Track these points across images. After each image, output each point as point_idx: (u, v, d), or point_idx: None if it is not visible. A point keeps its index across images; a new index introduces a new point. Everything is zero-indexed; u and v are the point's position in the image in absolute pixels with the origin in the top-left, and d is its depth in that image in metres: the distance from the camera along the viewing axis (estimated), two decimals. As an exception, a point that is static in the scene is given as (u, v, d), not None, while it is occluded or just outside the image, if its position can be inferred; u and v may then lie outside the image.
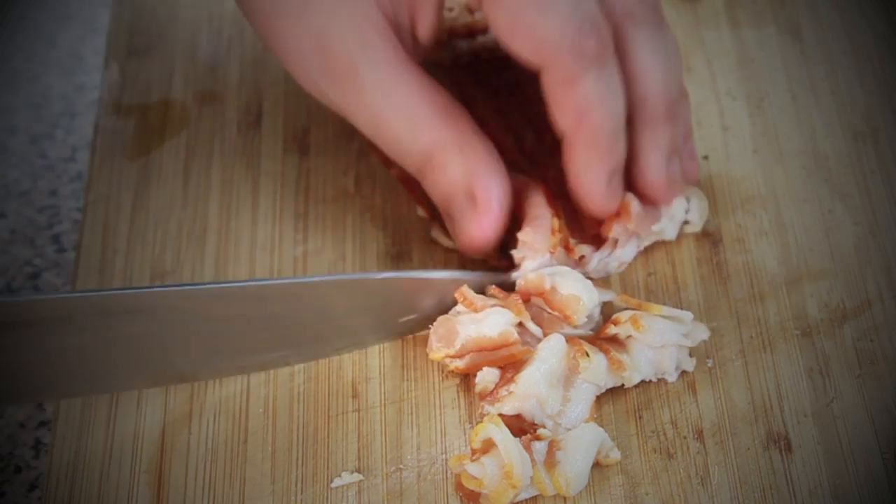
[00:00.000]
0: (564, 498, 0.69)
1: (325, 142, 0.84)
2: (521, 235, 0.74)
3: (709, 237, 0.78)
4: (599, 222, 0.76)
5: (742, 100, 0.84)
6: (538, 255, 0.74)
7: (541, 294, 0.73)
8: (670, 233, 0.78)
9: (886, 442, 0.70)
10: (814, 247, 0.78)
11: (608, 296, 0.75)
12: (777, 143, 0.82)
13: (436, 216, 0.77)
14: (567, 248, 0.75)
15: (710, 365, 0.73)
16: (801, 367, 0.73)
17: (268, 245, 0.79)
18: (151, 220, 0.80)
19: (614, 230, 0.75)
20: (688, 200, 0.77)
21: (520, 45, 0.69)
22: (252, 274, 0.78)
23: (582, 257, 0.75)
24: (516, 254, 0.74)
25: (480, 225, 0.73)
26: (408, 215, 0.80)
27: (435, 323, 0.73)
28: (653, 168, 0.74)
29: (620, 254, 0.76)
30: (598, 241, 0.76)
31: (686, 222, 0.78)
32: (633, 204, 0.75)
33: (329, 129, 0.84)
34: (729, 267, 0.77)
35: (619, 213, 0.75)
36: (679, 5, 0.88)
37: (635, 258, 0.77)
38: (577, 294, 0.72)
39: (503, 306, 0.73)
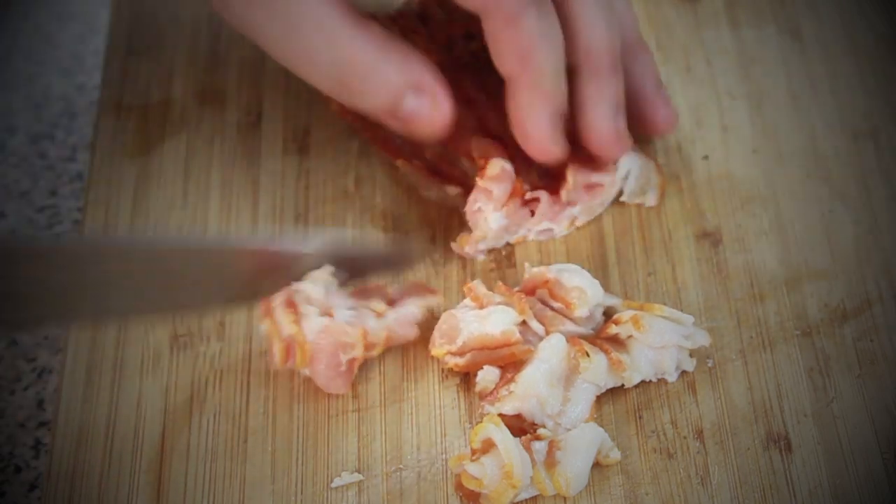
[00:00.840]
0: (564, 498, 0.69)
1: (325, 142, 0.84)
2: (481, 182, 0.75)
3: (709, 237, 0.78)
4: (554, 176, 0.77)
5: (742, 100, 0.84)
6: (497, 204, 0.75)
7: (545, 284, 0.73)
8: (609, 196, 0.79)
9: (886, 442, 0.70)
10: (814, 247, 0.78)
11: (613, 300, 0.75)
12: (777, 143, 0.82)
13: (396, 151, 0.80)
14: (521, 196, 0.76)
15: (710, 365, 0.74)
16: (801, 367, 0.73)
17: (268, 245, 0.79)
18: (151, 220, 0.80)
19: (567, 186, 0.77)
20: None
21: None
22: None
23: (535, 200, 0.77)
24: (473, 204, 0.75)
25: (440, 104, 0.73)
26: (408, 215, 0.80)
27: (440, 319, 0.73)
28: (599, 121, 0.75)
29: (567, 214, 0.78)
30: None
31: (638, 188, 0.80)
32: (571, 174, 0.76)
33: (329, 129, 0.84)
34: (729, 267, 0.77)
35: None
36: (679, 5, 0.88)
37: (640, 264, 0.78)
38: (582, 286, 0.72)
39: (508, 304, 0.73)
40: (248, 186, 0.82)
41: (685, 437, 0.71)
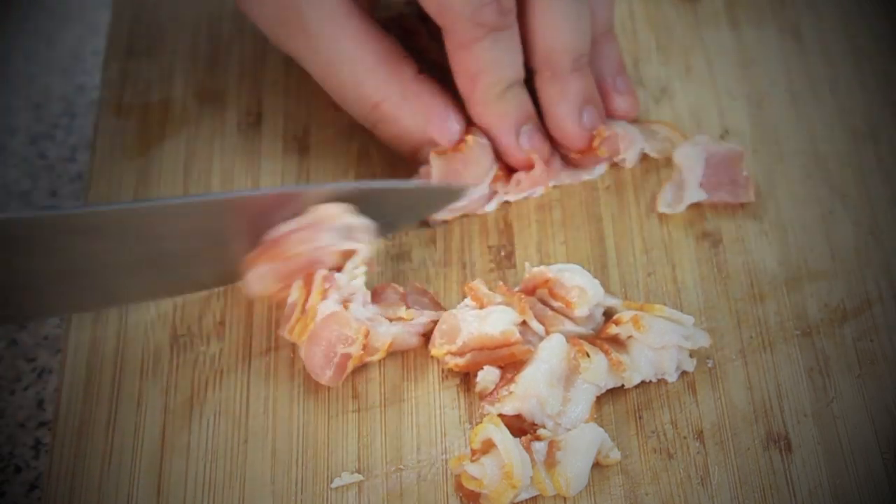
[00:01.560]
0: (564, 498, 0.69)
1: (325, 142, 0.84)
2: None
3: (709, 237, 0.78)
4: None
5: (742, 100, 0.84)
6: (483, 177, 0.79)
7: (545, 284, 0.73)
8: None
9: (886, 442, 0.70)
10: (814, 247, 0.78)
11: (613, 300, 0.75)
12: (777, 143, 0.82)
13: None
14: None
15: (710, 365, 0.73)
16: (801, 367, 0.73)
17: (267, 245, 0.79)
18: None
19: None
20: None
21: (426, 3, 0.74)
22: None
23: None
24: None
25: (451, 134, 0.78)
26: (408, 215, 0.80)
27: (440, 319, 0.73)
28: (563, 119, 0.78)
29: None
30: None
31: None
32: (538, 161, 0.79)
33: (329, 129, 0.84)
34: (729, 267, 0.77)
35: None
36: (679, 5, 0.88)
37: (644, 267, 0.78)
38: (583, 286, 0.72)
39: (508, 304, 0.73)
40: (248, 186, 0.82)
41: (685, 438, 0.71)
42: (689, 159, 0.79)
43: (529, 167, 0.79)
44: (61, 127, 0.94)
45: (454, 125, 0.77)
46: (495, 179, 0.79)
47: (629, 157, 0.81)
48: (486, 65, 0.75)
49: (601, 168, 0.81)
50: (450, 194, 0.78)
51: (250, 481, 0.71)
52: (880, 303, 0.75)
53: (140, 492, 0.71)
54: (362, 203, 0.74)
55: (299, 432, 0.72)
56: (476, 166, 0.78)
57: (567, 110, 0.78)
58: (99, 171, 0.83)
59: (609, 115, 0.80)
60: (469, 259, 0.78)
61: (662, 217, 0.79)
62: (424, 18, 0.80)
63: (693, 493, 0.69)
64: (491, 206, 0.80)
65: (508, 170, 0.80)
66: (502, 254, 0.78)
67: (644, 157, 0.81)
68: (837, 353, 0.74)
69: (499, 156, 0.79)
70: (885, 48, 0.86)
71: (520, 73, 0.76)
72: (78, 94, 0.96)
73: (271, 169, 0.82)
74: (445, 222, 0.80)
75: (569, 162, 0.81)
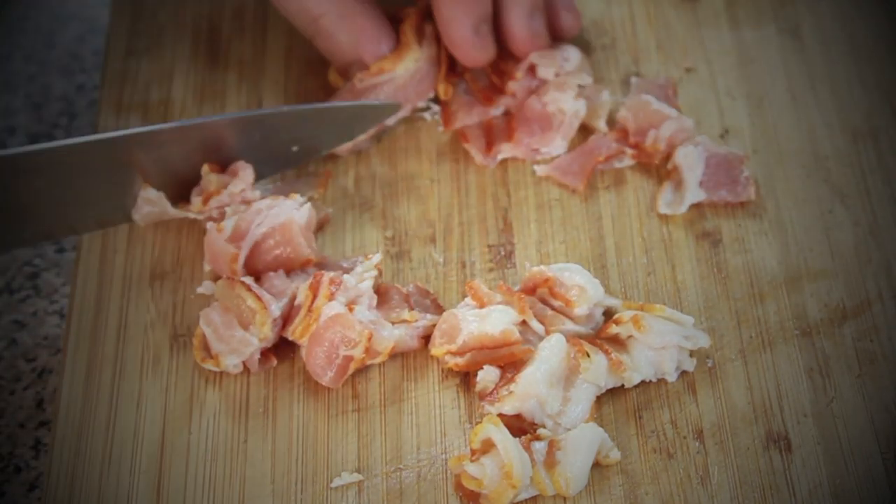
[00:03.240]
0: (564, 498, 0.69)
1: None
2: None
3: (708, 237, 0.78)
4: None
5: (742, 99, 0.84)
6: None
7: (545, 283, 0.73)
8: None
9: (886, 442, 0.70)
10: (814, 247, 0.78)
11: (613, 300, 0.75)
12: (777, 143, 0.82)
13: None
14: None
15: (710, 365, 0.73)
16: (801, 367, 0.73)
17: (267, 245, 0.79)
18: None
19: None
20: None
21: None
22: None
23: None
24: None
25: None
26: (407, 216, 0.80)
27: (440, 319, 0.73)
28: (514, 22, 0.81)
29: None
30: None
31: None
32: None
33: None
34: (729, 267, 0.77)
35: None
36: (679, 5, 0.88)
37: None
38: (582, 284, 0.73)
39: (507, 303, 0.73)
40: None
41: (685, 438, 0.71)
42: (689, 159, 0.79)
43: (473, 65, 0.82)
44: (61, 127, 0.94)
45: (383, 48, 0.80)
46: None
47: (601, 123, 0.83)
48: None
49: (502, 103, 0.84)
50: (378, 112, 0.81)
51: (250, 481, 0.71)
52: (880, 302, 0.75)
53: (140, 492, 0.71)
54: (292, 125, 0.78)
55: (299, 432, 0.72)
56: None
57: (517, 14, 0.81)
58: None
59: (555, 32, 0.83)
60: (469, 259, 0.78)
61: (662, 217, 0.79)
62: None
63: (693, 493, 0.69)
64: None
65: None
66: (502, 253, 0.78)
67: (643, 159, 0.81)
68: (837, 352, 0.74)
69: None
70: (885, 48, 0.86)
71: None
72: (78, 94, 0.96)
73: (271, 169, 0.82)
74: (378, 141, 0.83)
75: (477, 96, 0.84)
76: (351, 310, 0.72)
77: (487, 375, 0.72)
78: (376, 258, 0.75)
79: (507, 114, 0.83)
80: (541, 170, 0.81)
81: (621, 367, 0.71)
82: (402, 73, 0.81)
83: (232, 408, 0.73)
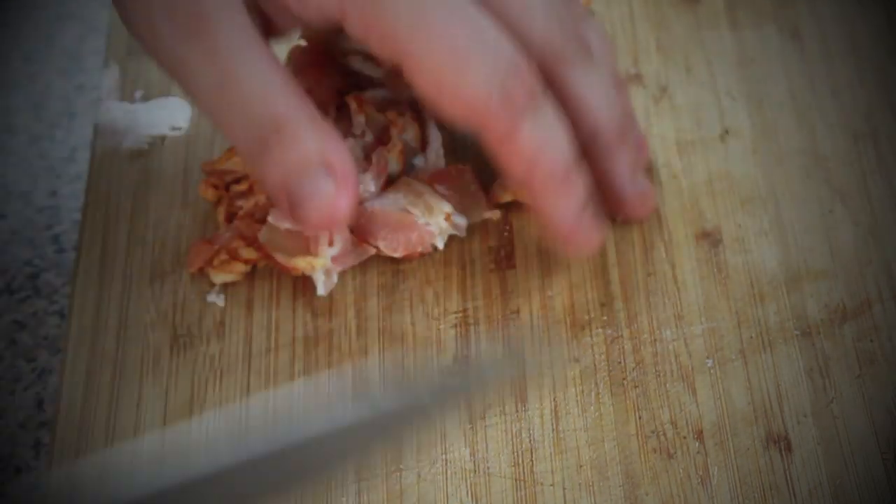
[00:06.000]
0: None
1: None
2: None
3: (708, 237, 0.78)
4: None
5: (742, 100, 0.84)
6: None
7: None
8: None
9: (886, 442, 0.70)
10: (814, 247, 0.78)
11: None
12: (777, 143, 0.82)
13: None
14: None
15: (709, 365, 0.73)
16: (801, 368, 0.73)
17: (268, 245, 0.79)
18: (151, 220, 0.80)
19: None
20: None
21: (450, 109, 0.69)
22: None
23: None
24: None
25: (344, 192, 0.69)
26: (408, 215, 0.80)
27: None
28: (625, 187, 0.76)
29: None
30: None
31: None
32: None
33: (329, 127, 0.84)
34: (729, 267, 0.77)
35: None
36: (679, 5, 0.88)
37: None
38: None
39: None
40: (249, 185, 0.82)
41: (685, 438, 0.71)
42: None
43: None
44: (61, 127, 0.94)
45: (349, 155, 0.70)
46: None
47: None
48: (537, 148, 0.70)
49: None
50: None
51: (250, 481, 0.71)
52: (880, 303, 0.75)
53: (140, 492, 0.71)
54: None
55: (299, 432, 0.72)
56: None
57: (623, 180, 0.76)
58: (99, 171, 0.83)
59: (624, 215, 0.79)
60: (469, 259, 0.78)
61: (661, 216, 0.79)
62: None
63: (693, 493, 0.69)
64: None
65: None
66: (502, 253, 0.78)
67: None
68: (837, 353, 0.74)
69: None
70: (886, 48, 0.86)
71: (572, 150, 0.71)
72: (78, 94, 0.96)
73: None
74: None
75: None
76: None
77: None
78: None
79: None
80: None
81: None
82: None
83: (232, 408, 0.73)
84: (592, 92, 0.73)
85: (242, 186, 0.78)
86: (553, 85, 0.72)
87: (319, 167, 0.68)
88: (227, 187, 0.79)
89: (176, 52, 0.69)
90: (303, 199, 0.69)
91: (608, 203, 0.76)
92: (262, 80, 0.68)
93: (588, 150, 0.74)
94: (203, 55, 0.68)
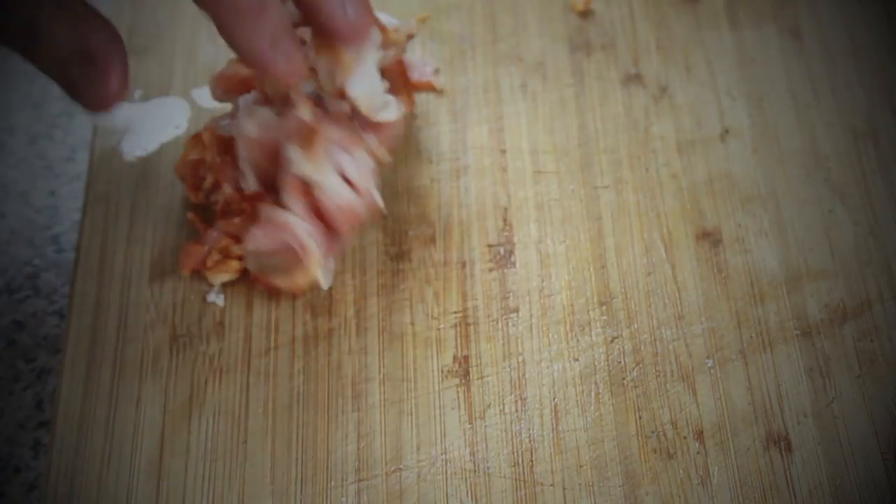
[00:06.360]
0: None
1: (324, 141, 0.83)
2: None
3: (708, 237, 0.78)
4: None
5: (742, 100, 0.84)
6: None
7: None
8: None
9: (886, 442, 0.71)
10: (814, 247, 0.78)
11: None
12: (777, 143, 0.82)
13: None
14: None
15: (709, 365, 0.74)
16: (801, 368, 0.73)
17: (268, 244, 0.79)
18: (151, 220, 0.80)
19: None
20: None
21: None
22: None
23: None
24: None
25: (109, 84, 0.66)
26: (407, 215, 0.80)
27: None
28: (335, 13, 0.70)
29: None
30: None
31: None
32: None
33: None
34: (729, 267, 0.77)
35: None
36: (679, 5, 0.88)
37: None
38: None
39: None
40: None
41: (685, 438, 0.71)
42: None
43: (286, 81, 0.71)
44: (60, 127, 0.94)
45: (117, 42, 0.67)
46: None
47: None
48: None
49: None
50: None
51: (250, 481, 0.71)
52: (880, 303, 0.75)
53: (139, 492, 0.71)
54: None
55: (299, 432, 0.72)
56: None
57: (330, 5, 0.70)
58: (98, 170, 0.82)
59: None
60: (469, 258, 0.78)
61: (661, 216, 0.79)
62: None
63: (693, 494, 0.69)
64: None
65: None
66: (502, 253, 0.78)
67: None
68: (837, 353, 0.74)
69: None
70: (885, 48, 0.86)
71: None
72: (77, 94, 0.96)
73: (271, 168, 0.82)
74: None
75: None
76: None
77: None
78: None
79: None
80: None
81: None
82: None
83: (231, 408, 0.73)
84: None
85: (209, 182, 0.78)
86: None
87: (81, 59, 0.66)
88: (199, 186, 0.79)
89: None
90: (74, 89, 0.67)
91: (324, 29, 0.71)
92: None
93: None
94: None
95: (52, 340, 0.83)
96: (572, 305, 0.76)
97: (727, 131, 0.83)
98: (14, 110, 0.95)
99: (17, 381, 0.81)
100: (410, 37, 0.79)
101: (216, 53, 0.87)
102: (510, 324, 0.76)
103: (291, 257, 0.73)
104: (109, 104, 0.67)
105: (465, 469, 0.71)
